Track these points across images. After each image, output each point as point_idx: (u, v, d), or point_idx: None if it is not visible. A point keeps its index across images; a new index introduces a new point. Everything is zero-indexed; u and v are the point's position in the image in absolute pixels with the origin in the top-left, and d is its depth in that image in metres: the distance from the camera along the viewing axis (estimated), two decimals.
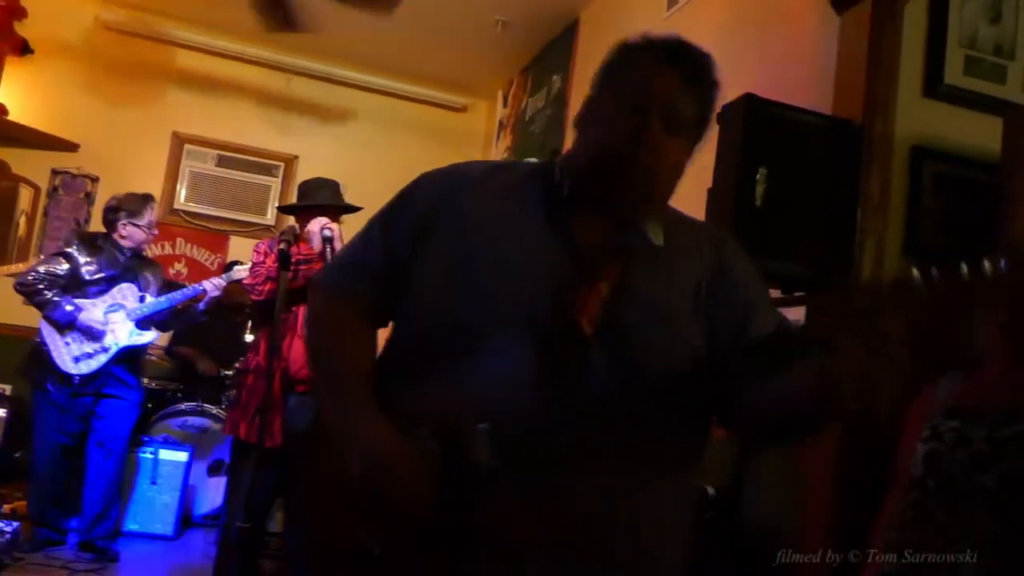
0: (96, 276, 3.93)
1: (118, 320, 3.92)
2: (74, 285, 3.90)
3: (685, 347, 1.25)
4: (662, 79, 1.24)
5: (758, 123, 2.26)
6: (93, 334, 3.85)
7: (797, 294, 2.51)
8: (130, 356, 4.02)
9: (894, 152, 2.42)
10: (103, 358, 3.88)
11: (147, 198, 4.12)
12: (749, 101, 2.28)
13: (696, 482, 1.39)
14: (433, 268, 1.27)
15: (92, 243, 4.05)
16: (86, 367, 3.87)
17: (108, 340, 3.90)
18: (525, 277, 1.23)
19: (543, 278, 1.22)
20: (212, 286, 4.03)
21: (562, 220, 1.27)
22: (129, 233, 4.01)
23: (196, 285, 4.11)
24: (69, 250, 3.99)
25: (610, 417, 1.19)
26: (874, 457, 2.25)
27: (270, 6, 3.66)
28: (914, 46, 2.49)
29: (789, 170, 2.26)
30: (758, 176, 2.21)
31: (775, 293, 2.44)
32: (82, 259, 3.93)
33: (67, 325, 3.84)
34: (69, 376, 3.86)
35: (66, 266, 3.91)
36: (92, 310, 3.89)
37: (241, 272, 3.92)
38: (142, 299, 3.99)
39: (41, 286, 3.83)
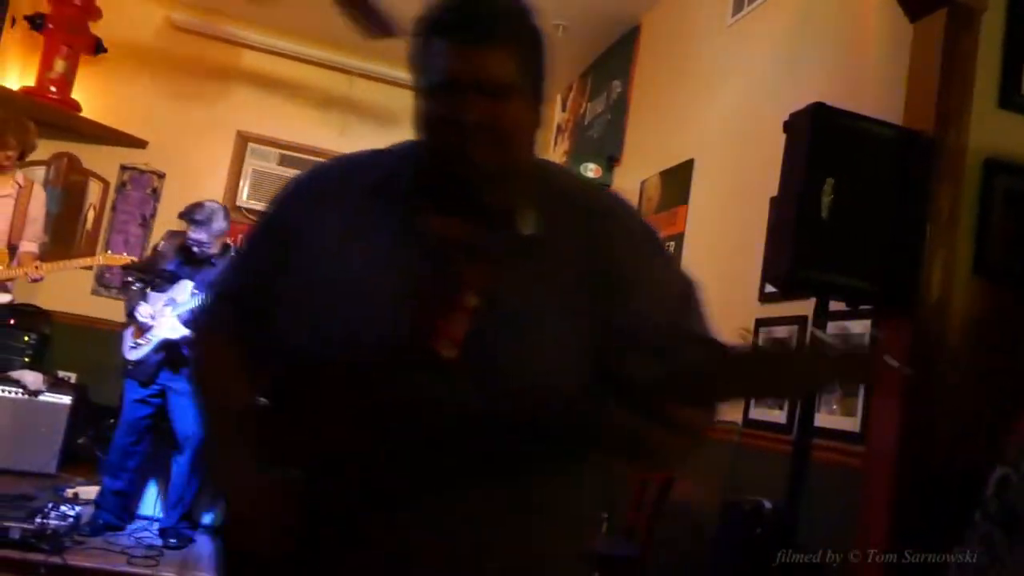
0: (168, 271, 4.18)
1: (167, 314, 4.05)
2: (158, 278, 4.19)
3: (562, 357, 1.12)
4: (458, 57, 1.09)
5: (826, 132, 2.22)
6: (142, 325, 4.07)
7: (862, 308, 2.46)
8: (183, 353, 4.13)
9: (966, 165, 2.36)
10: (146, 348, 4.06)
11: (215, 209, 4.23)
12: (817, 110, 2.24)
13: (588, 509, 1.25)
14: (288, 297, 1.19)
15: (177, 240, 4.30)
16: (134, 355, 4.09)
17: (153, 332, 4.07)
18: (374, 297, 1.12)
19: (394, 295, 1.12)
20: None
21: (416, 222, 1.15)
22: (196, 238, 4.15)
23: None
24: (159, 246, 4.34)
25: (473, 448, 1.08)
26: (930, 504, 2.21)
27: (363, 14, 3.71)
28: (990, 56, 2.43)
29: (857, 181, 2.22)
30: (825, 186, 2.17)
31: (840, 306, 2.39)
32: (168, 254, 4.23)
33: (129, 315, 4.13)
34: (127, 362, 4.10)
35: (155, 262, 4.27)
36: (154, 304, 4.10)
37: None
38: (193, 297, 4.11)
39: (130, 278, 4.24)
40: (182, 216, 4.21)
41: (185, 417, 4.10)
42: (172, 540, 4.03)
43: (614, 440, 1.00)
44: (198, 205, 4.17)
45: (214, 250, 4.20)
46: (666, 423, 0.90)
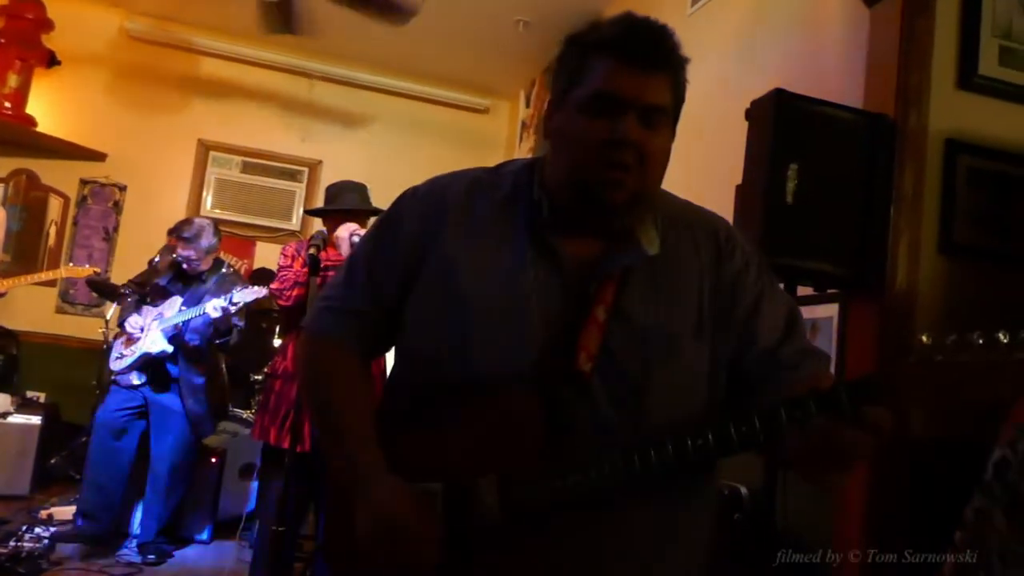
0: (160, 286, 4.19)
1: (153, 328, 4.02)
2: (151, 292, 4.22)
3: (688, 374, 1.18)
4: (624, 75, 1.12)
5: (788, 118, 2.23)
6: (131, 336, 4.08)
7: (830, 291, 2.48)
8: (164, 369, 4.08)
9: (928, 146, 2.38)
10: (129, 360, 4.04)
11: (204, 226, 4.20)
12: (779, 96, 2.24)
13: (710, 513, 1.28)
14: (421, 315, 1.22)
15: (169, 255, 4.32)
16: (117, 365, 4.08)
17: (138, 345, 4.05)
18: (515, 318, 1.15)
19: (534, 316, 1.15)
20: (212, 308, 4.01)
21: (548, 244, 1.18)
22: (185, 255, 4.15)
23: (201, 306, 4.11)
24: (155, 261, 4.40)
25: (613, 464, 1.10)
26: (909, 458, 2.23)
27: (275, 9, 3.70)
28: (947, 37, 2.45)
29: (820, 166, 2.23)
30: (789, 172, 2.18)
31: (807, 291, 2.41)
32: (161, 269, 4.28)
33: (120, 325, 4.20)
34: (111, 372, 4.12)
35: (149, 277, 4.30)
36: (145, 317, 4.10)
37: (243, 295, 3.90)
38: (180, 313, 4.06)
39: (125, 291, 4.29)
40: (171, 233, 4.21)
41: (162, 431, 4.07)
42: (151, 556, 3.98)
43: (803, 449, 1.02)
44: (187, 222, 4.20)
45: (204, 266, 4.18)
46: (866, 425, 0.96)
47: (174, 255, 4.17)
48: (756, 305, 1.22)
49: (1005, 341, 0.91)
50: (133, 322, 4.06)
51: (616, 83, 1.12)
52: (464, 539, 1.11)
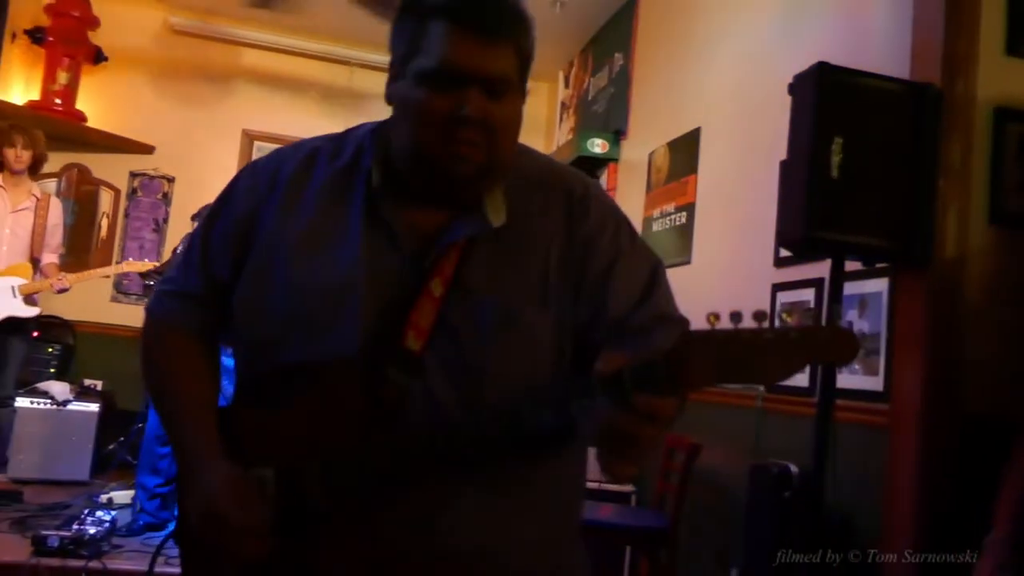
0: None
1: None
2: None
3: (530, 344, 1.10)
4: (466, 46, 1.05)
5: (831, 92, 2.19)
6: None
7: (879, 266, 2.44)
8: None
9: (976, 115, 2.33)
10: None
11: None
12: (821, 70, 2.21)
13: (571, 495, 1.23)
14: (249, 296, 1.16)
15: None
16: None
17: None
18: (344, 299, 1.09)
19: (364, 295, 1.09)
20: None
21: (383, 218, 1.11)
22: None
23: None
24: (178, 250, 4.37)
25: (450, 441, 1.07)
26: (958, 457, 2.20)
27: None
28: (995, 2, 2.39)
29: (866, 139, 2.19)
30: (833, 146, 2.15)
31: (856, 266, 2.38)
32: None
33: None
34: None
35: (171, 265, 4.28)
36: None
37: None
38: None
39: (151, 282, 4.40)
40: (194, 218, 4.25)
41: None
42: None
43: (591, 433, 0.96)
44: (207, 206, 4.25)
45: None
46: (642, 413, 0.87)
47: None
48: (610, 268, 1.14)
49: (790, 321, 0.83)
50: None
51: (456, 55, 1.05)
52: (294, 525, 1.08)
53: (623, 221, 1.21)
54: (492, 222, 1.11)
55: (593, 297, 1.13)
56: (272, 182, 1.19)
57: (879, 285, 2.54)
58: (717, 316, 0.86)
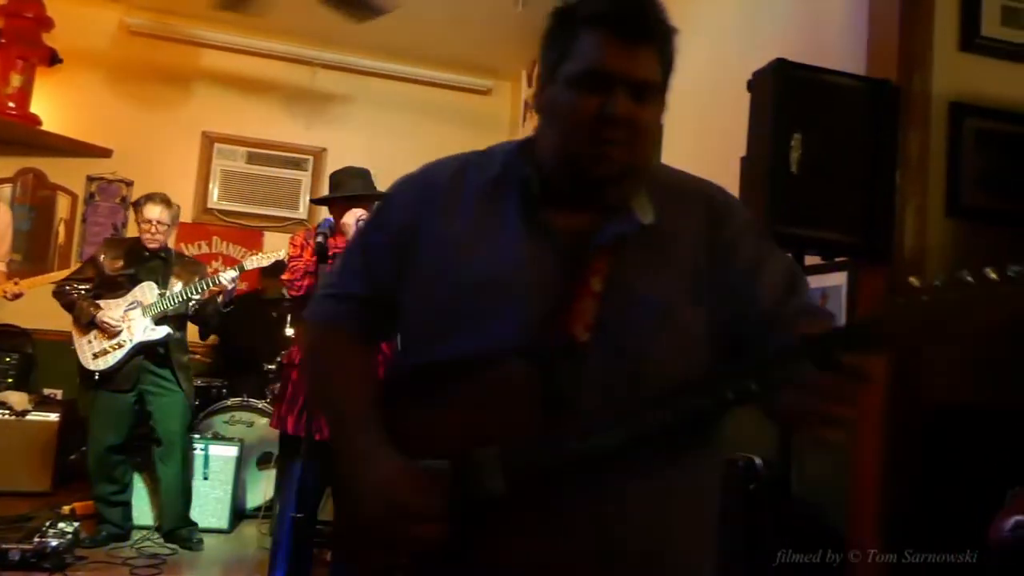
0: (120, 275, 4.16)
1: (135, 317, 4.03)
2: (104, 286, 4.16)
3: (686, 339, 1.18)
4: (614, 50, 1.13)
5: (790, 88, 2.21)
6: (109, 331, 4.04)
7: (838, 260, 2.47)
8: (159, 353, 4.11)
9: (932, 110, 2.36)
10: (119, 354, 4.04)
11: (151, 196, 4.24)
12: (780, 66, 2.23)
13: (714, 480, 1.29)
14: (417, 296, 1.24)
15: (121, 245, 4.33)
16: (103, 363, 4.05)
17: (123, 336, 4.05)
18: (508, 292, 1.16)
19: (528, 288, 1.16)
20: (227, 280, 4.09)
21: (540, 218, 1.19)
22: (141, 230, 4.17)
23: (208, 279, 4.19)
24: (95, 255, 4.28)
25: (623, 429, 1.12)
26: (922, 450, 2.23)
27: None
28: (948, 1, 2.43)
29: (825, 134, 2.21)
30: (792, 142, 2.18)
31: (815, 260, 2.41)
32: (107, 261, 4.19)
33: (88, 324, 4.08)
34: (92, 373, 4.06)
35: (91, 272, 4.22)
36: (113, 309, 4.08)
37: (256, 261, 4.03)
38: (161, 296, 4.08)
39: (68, 288, 4.17)
40: (136, 207, 4.28)
41: (168, 417, 4.11)
42: (176, 545, 4.04)
43: (789, 402, 1.03)
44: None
45: (167, 240, 4.25)
46: (848, 373, 0.97)
47: (135, 240, 4.21)
48: (754, 268, 1.23)
49: (994, 277, 0.90)
50: (110, 316, 4.03)
51: (606, 59, 1.12)
52: (469, 513, 1.11)
53: (761, 227, 1.31)
54: (642, 219, 1.19)
55: (741, 295, 1.20)
56: (429, 191, 1.27)
57: (839, 279, 2.57)
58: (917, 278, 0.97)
